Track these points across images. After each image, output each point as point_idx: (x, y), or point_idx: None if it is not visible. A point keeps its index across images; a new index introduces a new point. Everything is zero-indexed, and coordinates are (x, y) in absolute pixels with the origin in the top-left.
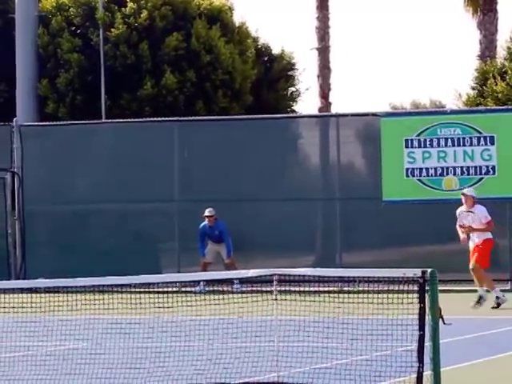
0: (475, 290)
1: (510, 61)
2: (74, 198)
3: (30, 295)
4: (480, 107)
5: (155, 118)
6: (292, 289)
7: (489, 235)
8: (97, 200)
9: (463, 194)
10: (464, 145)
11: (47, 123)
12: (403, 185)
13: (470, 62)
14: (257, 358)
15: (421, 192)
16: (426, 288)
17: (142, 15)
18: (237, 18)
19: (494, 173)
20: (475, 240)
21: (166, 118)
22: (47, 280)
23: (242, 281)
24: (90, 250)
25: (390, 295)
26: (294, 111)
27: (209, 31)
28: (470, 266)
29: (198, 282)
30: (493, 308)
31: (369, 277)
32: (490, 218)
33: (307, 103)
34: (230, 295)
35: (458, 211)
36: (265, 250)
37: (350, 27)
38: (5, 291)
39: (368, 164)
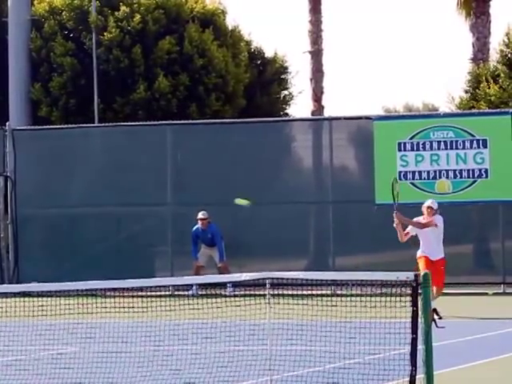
0: (469, 294)
1: (502, 64)
2: (67, 201)
3: (22, 299)
4: (473, 110)
5: (148, 122)
6: (285, 292)
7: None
8: (90, 204)
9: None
10: (457, 148)
11: (40, 127)
12: None
13: (462, 65)
14: (250, 361)
15: (413, 195)
16: (419, 291)
17: (134, 19)
18: (230, 22)
19: (486, 176)
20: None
21: (159, 122)
22: (40, 284)
23: (235, 284)
24: (83, 253)
25: (383, 298)
26: (287, 114)
27: (202, 35)
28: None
29: (191, 285)
30: None
31: (362, 280)
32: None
33: (300, 106)
34: (223, 299)
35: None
36: (258, 254)
37: (342, 30)
38: None
39: (361, 167)
